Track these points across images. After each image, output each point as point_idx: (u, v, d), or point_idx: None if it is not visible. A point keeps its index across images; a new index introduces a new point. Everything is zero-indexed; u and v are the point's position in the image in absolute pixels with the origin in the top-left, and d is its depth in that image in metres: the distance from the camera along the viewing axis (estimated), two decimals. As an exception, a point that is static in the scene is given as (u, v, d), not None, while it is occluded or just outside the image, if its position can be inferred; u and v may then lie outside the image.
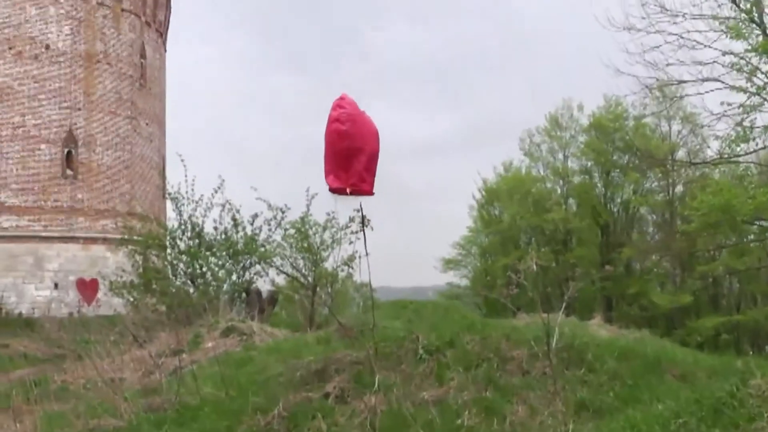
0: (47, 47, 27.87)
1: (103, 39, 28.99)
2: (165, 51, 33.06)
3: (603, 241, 39.75)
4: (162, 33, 32.46)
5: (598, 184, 40.36)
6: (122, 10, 29.73)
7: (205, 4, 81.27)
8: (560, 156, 41.50)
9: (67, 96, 27.84)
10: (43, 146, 27.23)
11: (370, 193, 8.95)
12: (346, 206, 7.93)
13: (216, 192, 18.97)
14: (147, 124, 30.33)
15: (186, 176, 18.96)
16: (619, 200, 40.16)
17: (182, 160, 19.14)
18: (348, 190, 8.66)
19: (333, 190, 8.63)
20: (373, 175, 8.98)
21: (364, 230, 18.68)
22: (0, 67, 27.26)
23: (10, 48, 27.46)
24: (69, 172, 27.59)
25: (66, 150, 27.55)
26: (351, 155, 8.93)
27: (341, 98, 8.63)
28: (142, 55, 30.40)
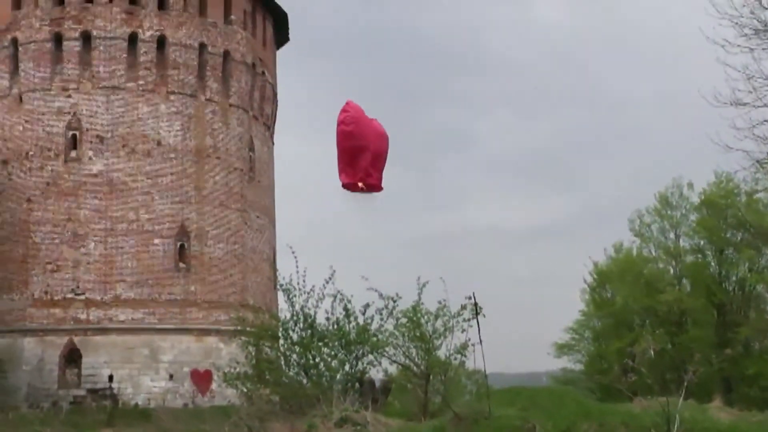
0: (159, 143, 29.17)
1: (213, 134, 30.22)
2: (273, 144, 34.19)
3: (719, 321, 38.87)
4: (269, 126, 33.62)
5: (712, 263, 39.62)
6: (230, 105, 30.97)
7: (312, 99, 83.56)
8: (671, 235, 40.97)
9: (178, 190, 29.03)
10: (156, 240, 28.35)
11: (378, 187, 10.44)
12: (359, 204, 9.53)
13: (327, 283, 19.39)
14: (257, 217, 31.29)
15: (297, 267, 19.46)
16: (734, 278, 39.29)
17: (293, 252, 19.67)
18: (360, 185, 10.08)
19: (345, 186, 10.16)
20: (380, 172, 10.46)
21: (477, 317, 18.78)
22: (114, 164, 28.62)
23: (123, 145, 28.83)
24: (182, 265, 28.61)
25: (179, 243, 28.61)
26: (356, 153, 10.28)
27: (347, 104, 9.93)
28: (251, 149, 31.51)
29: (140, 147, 28.93)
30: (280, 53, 36.19)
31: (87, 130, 28.85)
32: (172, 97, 29.65)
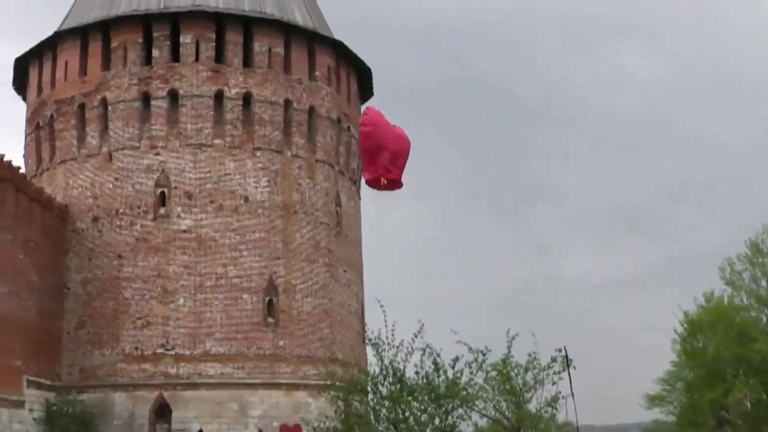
0: (246, 199, 30.16)
1: (299, 189, 31.14)
2: (359, 198, 34.98)
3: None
4: (355, 181, 34.44)
5: (806, 311, 39.23)
6: (316, 160, 31.89)
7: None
8: (763, 283, 40.64)
9: (266, 246, 29.94)
10: (245, 295, 29.23)
11: (399, 183, 12.14)
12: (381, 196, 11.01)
13: (416, 336, 19.93)
14: (345, 271, 32.04)
15: (385, 321, 20.04)
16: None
17: (381, 306, 20.29)
18: (382, 181, 11.81)
19: (368, 183, 11.72)
20: (400, 169, 12.12)
21: (568, 370, 19.26)
22: (203, 220, 29.65)
23: (211, 202, 29.87)
24: (271, 319, 29.41)
25: (267, 298, 29.44)
26: (376, 152, 11.89)
27: (367, 108, 11.67)
28: (338, 203, 32.36)
29: (228, 203, 29.94)
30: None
31: (175, 187, 29.97)
32: (258, 154, 30.68)
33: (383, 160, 12.39)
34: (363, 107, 36.45)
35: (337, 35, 34.87)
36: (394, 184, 12.62)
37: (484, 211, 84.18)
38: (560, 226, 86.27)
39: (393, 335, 19.97)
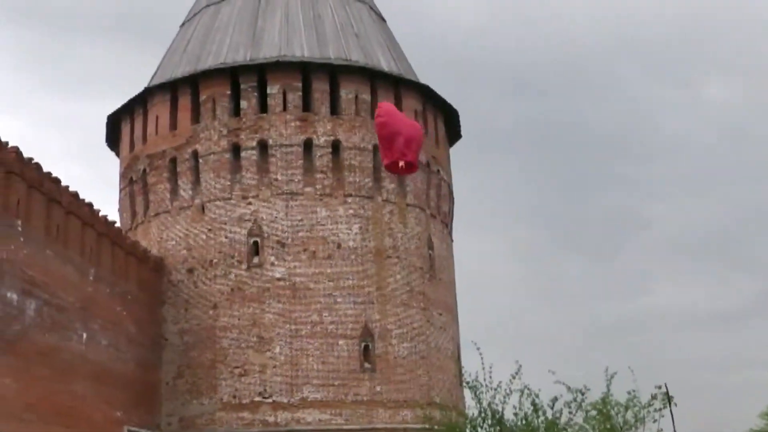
0: (339, 246, 31.19)
1: (391, 234, 32.08)
2: (452, 241, 35.78)
3: None
4: (447, 224, 35.26)
5: None
6: (407, 205, 32.82)
7: (487, 194, 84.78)
8: None
9: (360, 291, 30.87)
10: (341, 342, 30.14)
11: (415, 167, 14.75)
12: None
13: (514, 377, 20.63)
14: (440, 314, 32.76)
15: (482, 363, 20.77)
16: None
17: (477, 348, 21.06)
18: (400, 164, 14.26)
19: (387, 167, 14.61)
20: (413, 153, 14.47)
21: (670, 407, 19.97)
22: (296, 268, 30.73)
23: (304, 249, 30.96)
24: (367, 365, 30.22)
25: (363, 344, 30.30)
26: (391, 138, 14.26)
27: (380, 103, 14.97)
28: (430, 247, 33.16)
29: (321, 250, 30.99)
30: (453, 150, 37.95)
31: (268, 236, 31.14)
32: (349, 200, 31.76)
33: (398, 145, 14.58)
34: (451, 150, 37.47)
35: (423, 78, 35.92)
36: (411, 167, 15.04)
37: (571, 247, 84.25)
38: (650, 260, 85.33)
39: (490, 377, 20.70)
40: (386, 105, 15.96)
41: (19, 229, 23.43)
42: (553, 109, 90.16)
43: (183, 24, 37.13)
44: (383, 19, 37.56)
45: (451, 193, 36.10)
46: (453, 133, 37.55)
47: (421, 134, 15.44)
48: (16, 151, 23.61)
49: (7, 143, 23.29)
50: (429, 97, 35.08)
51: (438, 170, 34.70)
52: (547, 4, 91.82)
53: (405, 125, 15.01)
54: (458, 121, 37.17)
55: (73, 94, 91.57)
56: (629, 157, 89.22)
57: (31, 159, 24.43)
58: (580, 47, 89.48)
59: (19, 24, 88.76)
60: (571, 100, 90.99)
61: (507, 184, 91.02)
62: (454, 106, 36.38)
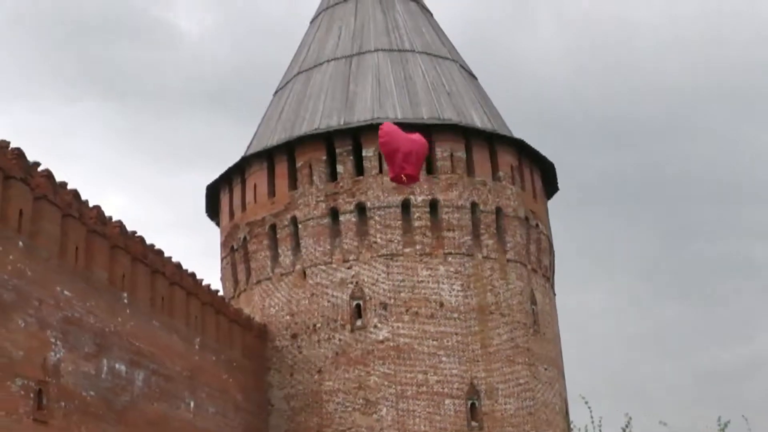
0: (441, 305, 31.16)
1: (493, 291, 31.94)
2: (554, 295, 35.48)
3: None
4: (549, 278, 34.99)
5: None
6: (508, 260, 32.68)
7: (588, 246, 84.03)
8: None
9: (464, 350, 30.71)
10: (447, 401, 29.97)
11: (416, 178, 17.39)
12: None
13: (624, 430, 20.26)
14: (545, 369, 32.39)
15: (591, 417, 20.46)
16: None
17: (586, 402, 20.75)
18: (402, 177, 16.58)
19: (392, 180, 17.14)
20: (412, 165, 16.69)
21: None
22: (399, 329, 30.77)
23: (407, 310, 31.00)
24: (474, 423, 29.94)
25: (469, 402, 30.08)
26: (392, 154, 16.41)
27: (382, 125, 16.88)
28: (533, 302, 32.91)
29: (423, 310, 31.00)
30: (551, 203, 37.80)
31: (370, 298, 31.29)
32: (449, 259, 31.77)
33: (398, 160, 16.44)
34: (548, 203, 37.30)
35: (517, 133, 35.96)
36: (412, 179, 17.33)
37: (675, 295, 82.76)
38: (758, 305, 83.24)
39: (600, 431, 20.36)
40: (387, 126, 18.87)
41: (126, 301, 24.01)
42: (651, 157, 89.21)
43: (276, 92, 37.88)
44: (474, 77, 37.77)
45: (551, 246, 35.88)
46: (550, 186, 37.42)
47: (423, 147, 17.55)
48: (120, 225, 24.28)
49: (110, 218, 23.95)
50: (524, 152, 35.09)
51: (537, 224, 34.56)
52: (637, 55, 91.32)
53: (404, 141, 16.96)
54: (555, 174, 37.03)
55: (173, 168, 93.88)
56: (734, 201, 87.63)
57: (134, 232, 25.09)
58: (674, 95, 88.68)
59: (119, 103, 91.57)
60: (670, 149, 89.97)
61: (607, 235, 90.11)
62: (550, 159, 36.31)
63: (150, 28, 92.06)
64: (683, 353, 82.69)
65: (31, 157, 20.57)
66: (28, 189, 20.35)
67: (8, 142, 19.77)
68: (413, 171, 17.05)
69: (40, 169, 20.93)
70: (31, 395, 19.51)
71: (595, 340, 78.60)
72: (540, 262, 34.41)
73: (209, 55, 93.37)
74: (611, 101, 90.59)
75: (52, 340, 20.51)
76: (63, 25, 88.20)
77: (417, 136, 17.63)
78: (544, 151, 35.86)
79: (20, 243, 19.88)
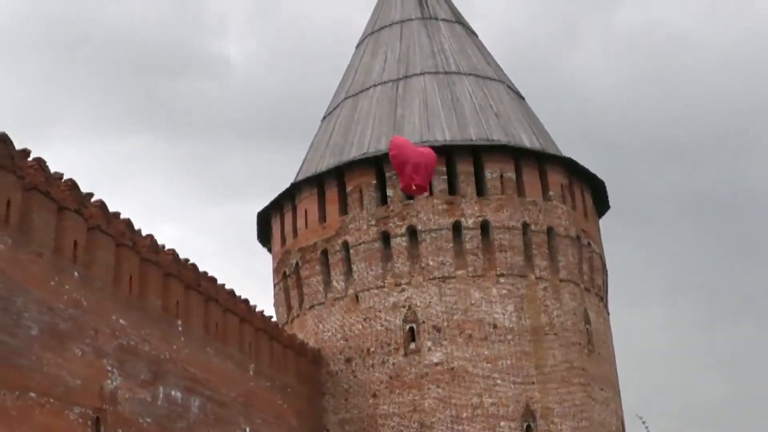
0: (495, 327, 31.02)
1: (547, 311, 31.76)
2: (608, 314, 35.19)
3: None
4: (602, 297, 34.72)
5: None
6: (560, 280, 32.50)
7: (641, 264, 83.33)
8: None
9: (519, 371, 30.53)
10: (502, 423, 29.80)
11: (425, 188, 18.45)
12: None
13: (684, 448, 20.09)
14: (601, 389, 32.10)
15: (649, 436, 20.30)
16: None
17: (643, 422, 20.65)
18: (412, 187, 17.84)
19: (403, 190, 20.41)
20: (421, 176, 17.89)
21: None
22: (453, 351, 30.67)
23: (460, 333, 30.91)
24: (530, 446, 29.83)
25: (525, 424, 29.86)
26: (402, 166, 17.65)
27: (392, 138, 18.37)
28: (587, 321, 32.65)
29: (477, 332, 30.87)
30: (603, 222, 37.56)
31: (423, 321, 31.24)
32: (502, 280, 31.66)
33: (408, 171, 17.58)
34: (600, 221, 37.06)
35: (566, 152, 35.81)
36: (421, 188, 18.83)
37: (733, 315, 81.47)
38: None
39: (660, 450, 20.21)
40: (396, 139, 19.83)
41: (180, 328, 24.18)
42: (711, 175, 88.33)
43: (324, 118, 38.12)
44: (521, 97, 37.73)
45: (604, 265, 35.63)
46: (601, 204, 37.20)
47: (431, 159, 18.84)
48: (173, 253, 24.49)
49: (163, 246, 24.16)
50: (574, 170, 34.95)
51: (589, 243, 34.36)
52: (689, 72, 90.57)
53: (412, 154, 18.35)
54: (606, 193, 36.79)
55: (224, 197, 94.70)
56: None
57: (187, 260, 25.28)
58: (732, 111, 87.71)
59: (171, 134, 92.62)
60: (729, 166, 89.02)
61: (661, 254, 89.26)
62: (600, 177, 36.08)
63: (199, 60, 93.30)
64: (742, 373, 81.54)
65: (85, 189, 20.85)
66: (82, 219, 20.59)
67: (61, 174, 20.03)
68: (422, 181, 18.50)
69: (93, 199, 21.17)
70: (89, 423, 19.67)
71: (651, 359, 77.78)
72: (593, 281, 34.17)
73: (257, 85, 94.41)
74: (665, 118, 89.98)
75: (109, 368, 20.70)
76: (115, 61, 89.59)
77: (426, 150, 19.70)
78: (594, 170, 35.78)
79: (75, 273, 20.11)
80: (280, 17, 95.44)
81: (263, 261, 67.22)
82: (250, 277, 69.61)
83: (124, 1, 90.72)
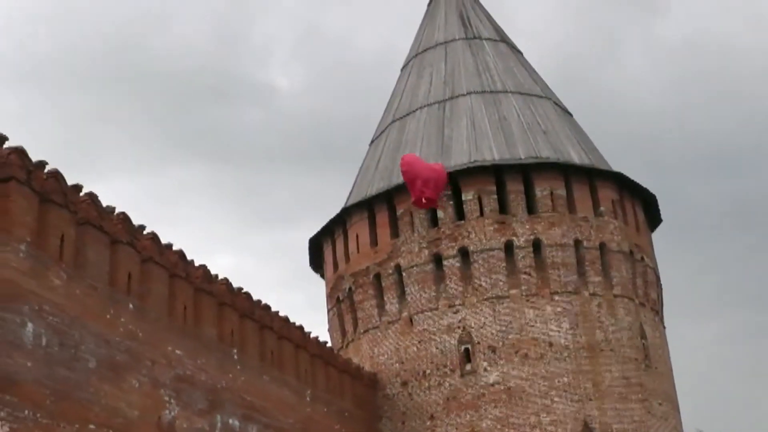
0: (550, 345, 30.83)
1: (602, 327, 31.51)
2: (664, 328, 34.80)
3: None
4: (657, 311, 34.37)
5: None
6: (614, 296, 32.24)
7: (696, 277, 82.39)
8: None
9: (576, 389, 30.30)
10: (562, 441, 29.62)
11: (434, 202, 20.28)
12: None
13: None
14: (659, 404, 31.73)
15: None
16: None
17: (703, 436, 20.32)
18: (423, 200, 19.58)
19: (414, 204, 21.47)
20: (431, 190, 19.24)
21: None
22: (510, 371, 30.52)
23: (516, 352, 30.76)
24: (590, 463, 29.55)
25: (585, 442, 29.66)
26: (413, 182, 19.44)
27: (403, 156, 20.79)
28: (643, 336, 32.35)
29: (532, 351, 30.71)
30: (656, 235, 37.23)
31: (478, 341, 31.14)
32: (556, 298, 31.47)
33: (418, 185, 18.81)
34: (652, 235, 36.73)
35: (616, 167, 35.58)
36: (431, 201, 20.13)
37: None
38: None
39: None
40: (407, 156, 21.41)
41: (235, 357, 24.30)
42: (754, 184, 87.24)
43: (372, 141, 38.23)
44: (569, 113, 37.58)
45: (658, 279, 35.28)
46: (653, 218, 36.86)
47: (442, 174, 20.43)
48: (227, 283, 24.64)
49: (216, 276, 24.32)
50: (624, 185, 34.71)
51: (642, 257, 34.06)
52: (739, 81, 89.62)
53: (423, 169, 19.67)
54: (657, 206, 36.48)
55: (275, 225, 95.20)
56: None
57: (240, 289, 25.42)
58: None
59: (218, 166, 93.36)
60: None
61: (715, 266, 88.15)
62: (652, 190, 35.78)
63: (246, 87, 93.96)
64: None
65: (137, 221, 21.07)
66: (135, 252, 20.82)
67: (114, 208, 20.28)
68: (432, 195, 19.86)
69: (145, 232, 21.39)
70: (149, 454, 19.83)
71: (710, 372, 76.77)
72: (647, 295, 33.84)
73: (304, 110, 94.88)
74: (715, 128, 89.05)
75: (166, 398, 20.87)
76: (161, 92, 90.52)
77: (436, 165, 20.96)
78: (645, 183, 35.54)
79: (130, 305, 20.33)
80: (325, 42, 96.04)
81: (317, 287, 67.46)
82: (304, 303, 69.83)
83: (169, 32, 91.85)
